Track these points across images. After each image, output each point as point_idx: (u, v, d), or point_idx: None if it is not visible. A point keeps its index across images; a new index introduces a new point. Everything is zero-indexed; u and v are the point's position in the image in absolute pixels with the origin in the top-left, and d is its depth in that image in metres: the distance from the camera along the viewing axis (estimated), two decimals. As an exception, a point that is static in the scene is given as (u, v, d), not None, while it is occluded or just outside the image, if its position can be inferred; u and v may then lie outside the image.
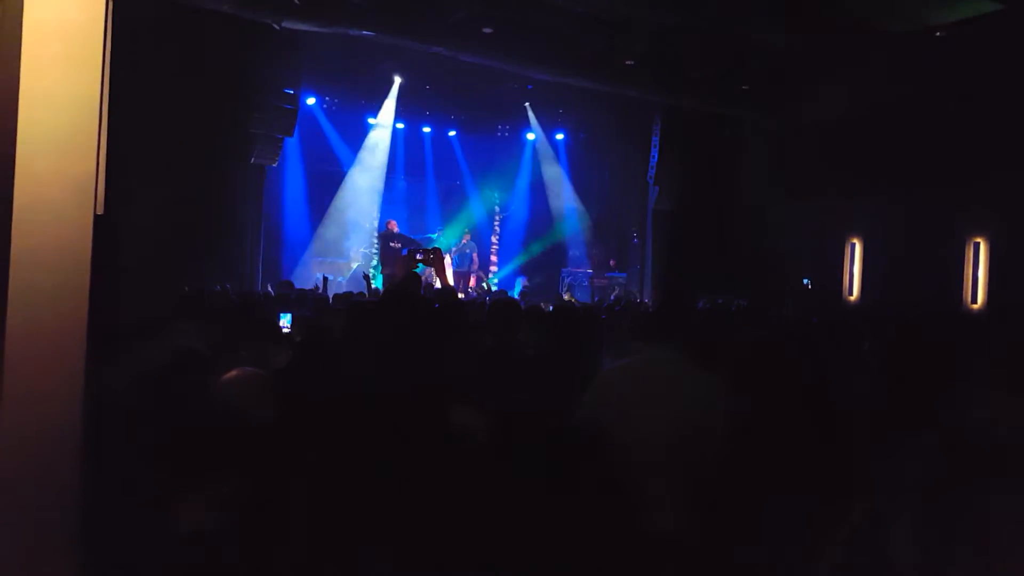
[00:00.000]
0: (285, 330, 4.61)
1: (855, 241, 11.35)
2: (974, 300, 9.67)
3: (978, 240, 9.67)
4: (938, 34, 8.99)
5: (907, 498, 1.91)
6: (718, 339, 3.50)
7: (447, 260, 11.72)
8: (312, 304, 6.09)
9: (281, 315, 4.76)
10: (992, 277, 9.51)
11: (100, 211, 1.66)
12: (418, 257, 11.24)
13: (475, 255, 13.66)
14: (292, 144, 11.90)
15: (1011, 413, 2.05)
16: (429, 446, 1.98)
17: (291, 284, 8.67)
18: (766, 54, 10.11)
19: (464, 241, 13.63)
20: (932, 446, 1.97)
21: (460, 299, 8.43)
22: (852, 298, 11.32)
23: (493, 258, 15.06)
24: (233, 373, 2.49)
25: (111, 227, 1.78)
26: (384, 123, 13.54)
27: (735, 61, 10.32)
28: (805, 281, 11.31)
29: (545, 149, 14.80)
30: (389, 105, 13.28)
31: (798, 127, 11.54)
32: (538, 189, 14.93)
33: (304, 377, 2.44)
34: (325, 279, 10.89)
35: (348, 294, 7.70)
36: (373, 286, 11.31)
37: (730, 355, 3.19)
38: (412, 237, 12.61)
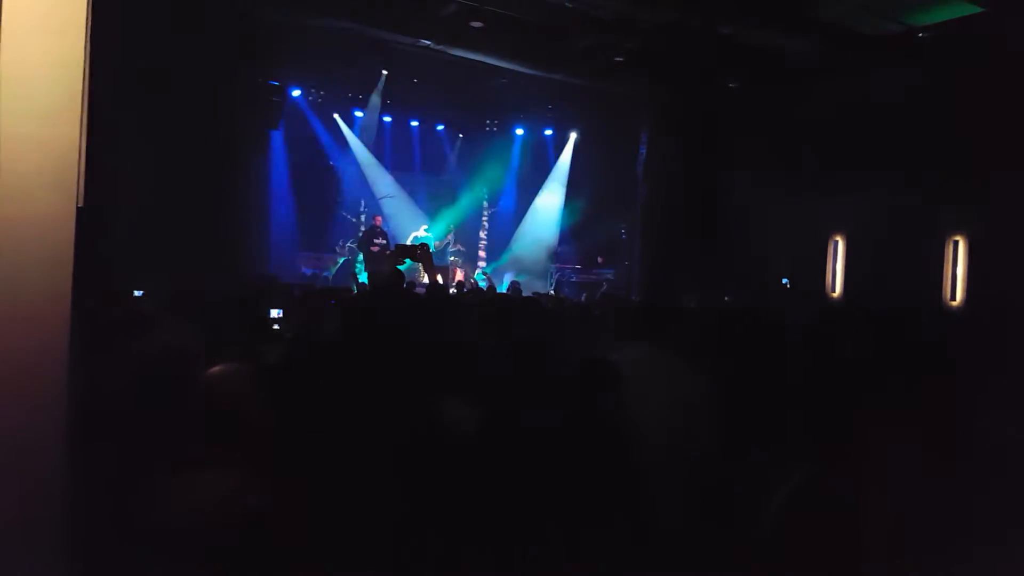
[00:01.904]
0: (275, 326, 4.58)
1: (838, 239, 11.45)
2: (953, 297, 9.79)
3: (957, 238, 9.78)
4: (920, 35, 9.08)
5: (884, 485, 1.94)
6: (702, 337, 3.52)
7: None
8: (300, 300, 6.06)
9: (271, 311, 4.72)
10: (971, 274, 9.62)
11: (81, 204, 1.64)
12: (405, 254, 11.18)
13: (459, 246, 13.53)
14: (277, 137, 11.82)
15: (989, 407, 2.08)
16: (423, 442, 1.98)
17: (276, 279, 8.61)
18: (753, 52, 10.16)
19: (449, 241, 13.53)
20: (908, 438, 2.00)
21: (449, 295, 8.43)
22: (835, 295, 11.43)
23: (481, 253, 15.04)
24: (219, 368, 2.48)
25: (93, 220, 1.76)
26: (371, 116, 13.48)
27: (722, 59, 10.36)
28: (784, 280, 11.40)
29: (534, 144, 14.80)
30: (376, 98, 13.22)
31: (783, 125, 11.61)
32: (527, 185, 14.92)
33: (295, 373, 2.42)
34: (314, 277, 10.85)
35: (338, 289, 7.67)
36: (359, 281, 11.28)
37: (713, 350, 3.21)
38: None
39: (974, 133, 8.67)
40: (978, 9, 8.25)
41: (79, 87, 1.53)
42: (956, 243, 9.79)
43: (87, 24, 1.55)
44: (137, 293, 6.34)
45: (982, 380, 2.29)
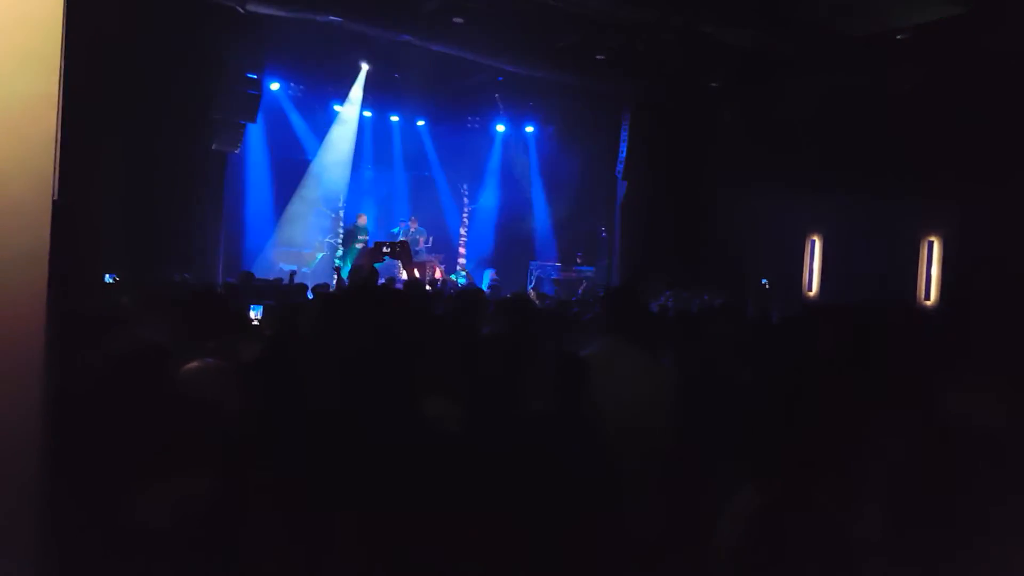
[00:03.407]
0: (255, 323, 4.54)
1: (815, 238, 11.58)
2: (927, 296, 9.94)
3: (932, 238, 9.94)
4: (899, 37, 9.20)
5: (854, 482, 1.96)
6: (680, 334, 3.55)
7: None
8: (277, 295, 6.01)
9: (252, 307, 4.68)
10: (945, 274, 9.78)
11: (57, 198, 1.61)
12: (384, 251, 11.14)
13: (422, 240, 13.36)
14: (255, 131, 11.69)
15: (960, 404, 2.12)
16: (402, 440, 1.97)
17: (251, 275, 8.52)
18: (733, 52, 10.23)
19: (412, 228, 13.34)
20: (882, 436, 2.02)
21: (428, 291, 8.40)
22: (811, 293, 11.56)
23: (461, 250, 15.02)
24: (194, 365, 2.45)
25: (69, 216, 1.73)
26: (351, 111, 13.35)
27: (703, 58, 10.42)
28: (763, 281, 11.51)
29: (514, 141, 14.79)
30: (356, 92, 13.10)
31: (762, 125, 11.71)
32: (507, 181, 14.91)
33: (274, 370, 2.40)
34: (292, 273, 10.75)
35: (316, 285, 7.62)
36: (340, 276, 11.21)
37: (690, 348, 3.24)
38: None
39: (951, 134, 8.80)
40: (958, 11, 8.36)
41: (55, 81, 1.50)
42: (931, 243, 9.94)
43: (63, 17, 1.52)
44: (108, 278, 6.27)
45: (954, 377, 2.32)
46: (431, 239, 13.56)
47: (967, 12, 8.23)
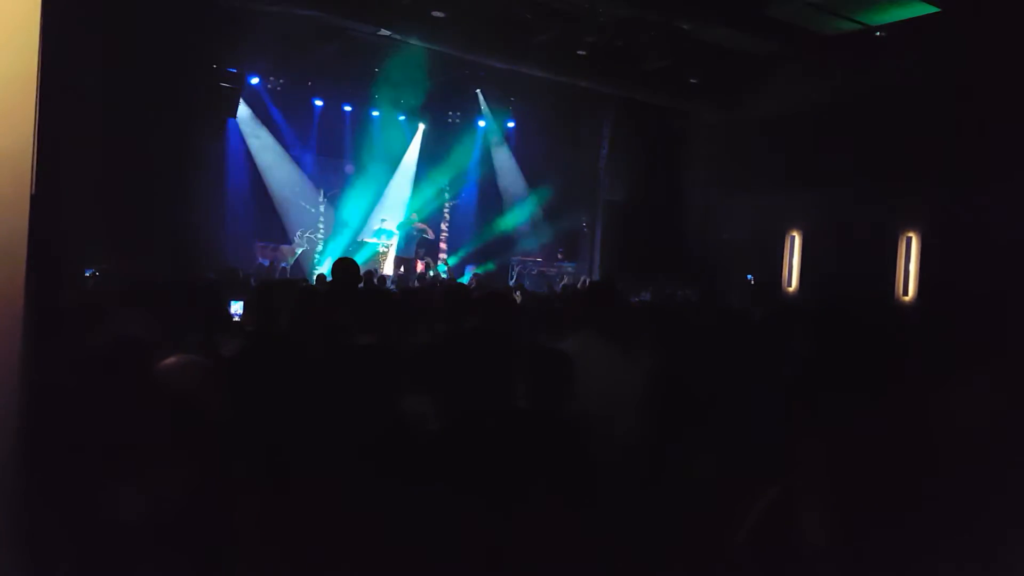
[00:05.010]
0: (236, 319, 4.52)
1: (795, 234, 11.69)
2: (905, 292, 10.07)
3: (910, 235, 10.07)
4: (877, 34, 9.31)
5: (824, 480, 1.99)
6: (659, 328, 3.57)
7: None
8: (259, 291, 5.97)
9: (233, 302, 4.65)
10: (923, 270, 9.91)
11: (35, 192, 1.60)
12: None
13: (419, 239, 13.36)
14: (235, 125, 11.60)
15: (935, 402, 2.15)
16: (382, 436, 1.97)
17: (236, 272, 8.46)
18: (714, 50, 10.29)
19: (415, 224, 13.34)
20: (852, 432, 2.04)
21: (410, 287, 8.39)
22: (791, 290, 11.67)
23: (443, 245, 14.99)
24: (172, 360, 2.43)
25: (47, 210, 1.72)
26: (330, 104, 13.25)
27: (684, 55, 10.47)
28: (749, 277, 11.60)
29: (496, 137, 14.76)
30: (335, 87, 13.04)
31: (743, 122, 11.80)
32: (488, 177, 14.89)
33: (254, 366, 2.39)
34: (276, 265, 10.68)
35: (296, 280, 7.58)
36: (319, 273, 11.14)
37: (666, 342, 3.26)
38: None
39: (928, 130, 8.92)
40: (934, 9, 8.49)
41: (33, 75, 1.48)
42: (909, 239, 10.07)
43: (40, 10, 1.51)
44: (87, 272, 6.21)
45: (932, 374, 2.35)
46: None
47: (943, 10, 8.35)
